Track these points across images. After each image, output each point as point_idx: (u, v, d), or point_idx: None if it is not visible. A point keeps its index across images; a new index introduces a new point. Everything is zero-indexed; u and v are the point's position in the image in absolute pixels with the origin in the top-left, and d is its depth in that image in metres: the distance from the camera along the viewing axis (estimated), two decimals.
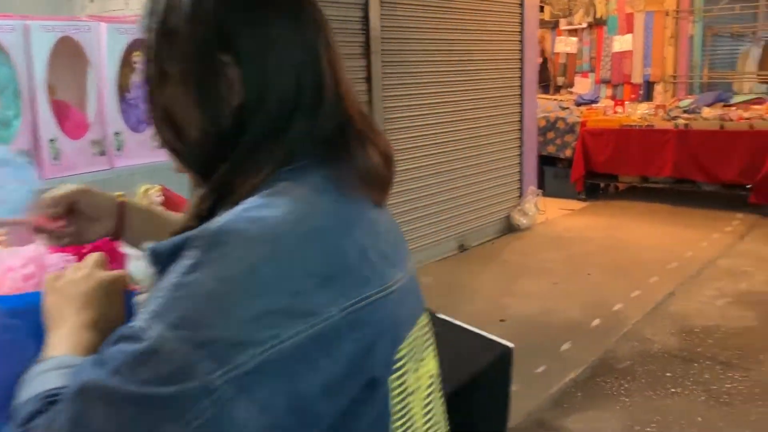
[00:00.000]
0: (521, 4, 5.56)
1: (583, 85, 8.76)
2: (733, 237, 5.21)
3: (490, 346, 1.42)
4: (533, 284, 4.31)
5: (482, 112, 5.33)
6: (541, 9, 8.53)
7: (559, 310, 3.85)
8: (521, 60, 5.69)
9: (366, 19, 4.20)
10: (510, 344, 1.42)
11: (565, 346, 3.35)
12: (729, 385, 2.89)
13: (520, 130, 5.82)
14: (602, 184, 7.07)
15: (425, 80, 4.76)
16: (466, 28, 5.05)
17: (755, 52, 8.50)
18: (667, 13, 8.12)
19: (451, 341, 1.44)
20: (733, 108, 6.43)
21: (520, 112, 5.78)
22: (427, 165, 4.86)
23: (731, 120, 5.96)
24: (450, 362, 1.39)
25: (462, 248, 5.22)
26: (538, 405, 2.80)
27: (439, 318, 1.50)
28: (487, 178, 5.48)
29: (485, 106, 5.35)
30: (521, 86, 5.74)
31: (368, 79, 4.26)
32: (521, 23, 5.61)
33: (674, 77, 8.30)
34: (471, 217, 5.36)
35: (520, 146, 5.84)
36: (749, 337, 3.39)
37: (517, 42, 5.63)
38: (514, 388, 2.92)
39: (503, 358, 1.40)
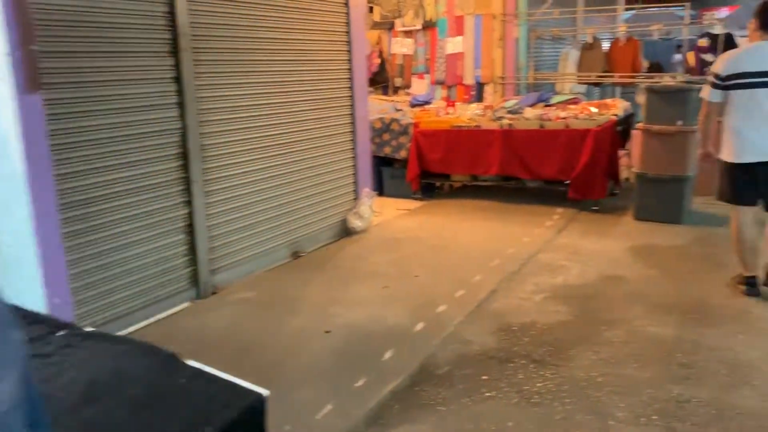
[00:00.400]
0: (346, 4, 5.46)
1: (419, 86, 8.90)
2: (552, 231, 5.47)
3: (241, 395, 1.23)
4: (363, 290, 4.22)
5: (312, 113, 5.17)
6: (372, 10, 8.57)
7: (385, 316, 3.77)
8: (350, 61, 5.60)
9: (172, 13, 3.85)
10: (265, 391, 1.24)
11: (388, 355, 3.27)
12: (540, 384, 2.94)
13: (353, 132, 5.73)
14: (438, 183, 7.21)
15: (246, 80, 4.50)
16: (289, 27, 4.85)
17: (574, 55, 9.11)
18: (494, 17, 8.44)
19: (197, 393, 1.24)
20: (553, 108, 6.79)
21: (352, 114, 5.70)
22: (254, 170, 4.61)
23: (549, 120, 6.28)
24: (194, 417, 1.19)
25: (295, 255, 5.03)
26: (353, 424, 2.67)
27: (186, 367, 1.29)
28: (320, 181, 5.33)
29: (314, 107, 5.20)
30: (351, 87, 5.65)
31: (178, 80, 3.92)
32: (348, 23, 5.52)
33: (503, 78, 8.66)
34: (305, 222, 5.18)
35: (353, 148, 5.76)
36: (561, 333, 3.50)
37: (345, 42, 5.53)
38: (329, 408, 2.79)
39: (255, 408, 1.21)
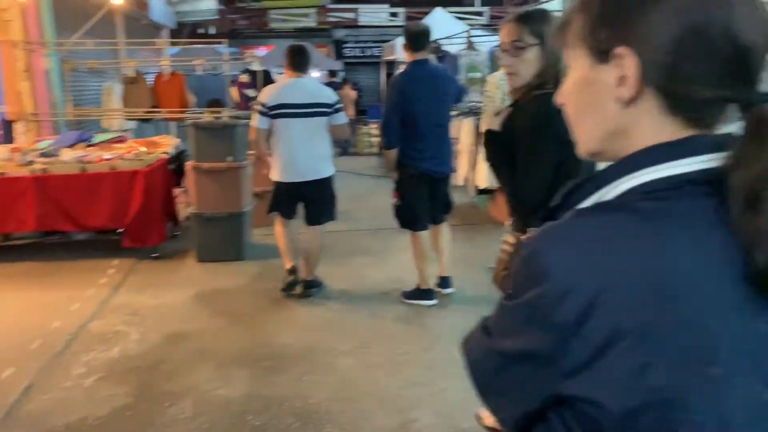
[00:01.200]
0: None
1: None
2: (108, 290, 4.76)
3: None
4: None
5: None
6: None
7: None
8: None
9: None
10: None
11: None
12: None
13: None
14: None
15: None
16: None
17: (118, 89, 8.46)
18: (14, 44, 7.20)
19: None
20: (95, 148, 6.05)
21: None
22: None
23: (91, 162, 5.53)
24: None
25: None
26: None
27: None
28: None
29: None
30: None
31: None
32: None
33: (36, 115, 7.47)
34: None
35: None
36: (118, 424, 2.90)
37: None
38: None
39: None
